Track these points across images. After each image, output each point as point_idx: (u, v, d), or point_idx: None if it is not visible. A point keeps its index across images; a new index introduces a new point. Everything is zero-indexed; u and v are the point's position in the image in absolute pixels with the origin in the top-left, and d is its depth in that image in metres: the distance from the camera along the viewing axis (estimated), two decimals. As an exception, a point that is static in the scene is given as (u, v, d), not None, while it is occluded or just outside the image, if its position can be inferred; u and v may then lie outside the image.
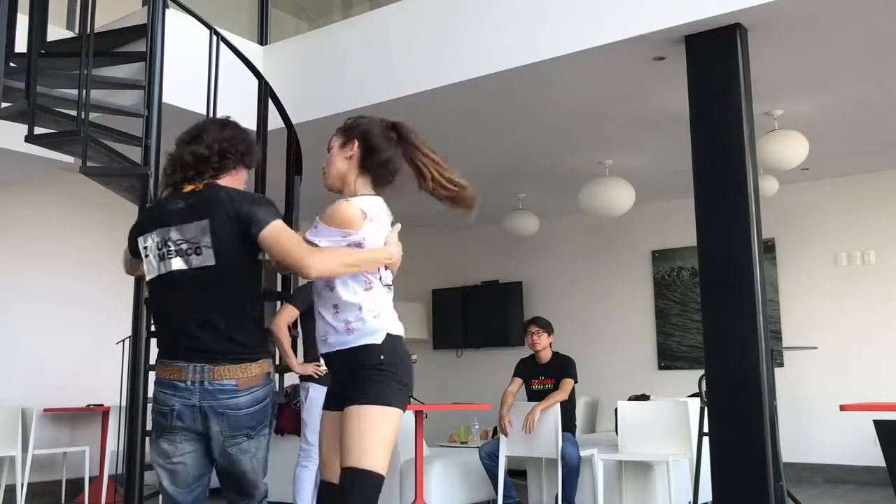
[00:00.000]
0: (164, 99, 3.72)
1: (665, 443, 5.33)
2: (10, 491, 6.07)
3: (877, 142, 6.46)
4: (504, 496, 5.52)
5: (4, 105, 3.68)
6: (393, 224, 2.61)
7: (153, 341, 2.79)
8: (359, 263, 2.47)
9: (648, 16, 4.23)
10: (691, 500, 5.04)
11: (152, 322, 3.03)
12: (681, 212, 6.66)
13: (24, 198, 6.84)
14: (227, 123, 2.67)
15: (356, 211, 2.47)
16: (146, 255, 2.55)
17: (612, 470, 5.47)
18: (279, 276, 3.73)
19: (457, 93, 5.01)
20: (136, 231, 2.63)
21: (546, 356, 5.81)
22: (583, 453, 5.42)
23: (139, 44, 3.95)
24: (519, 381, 5.84)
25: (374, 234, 2.50)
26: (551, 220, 8.56)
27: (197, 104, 4.21)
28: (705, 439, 4.54)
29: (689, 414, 5.27)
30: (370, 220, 2.50)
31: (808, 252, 7.57)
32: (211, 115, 3.97)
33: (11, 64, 3.73)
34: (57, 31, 4.75)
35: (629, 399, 5.92)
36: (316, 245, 2.46)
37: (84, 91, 3.51)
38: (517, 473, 6.13)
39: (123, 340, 5.63)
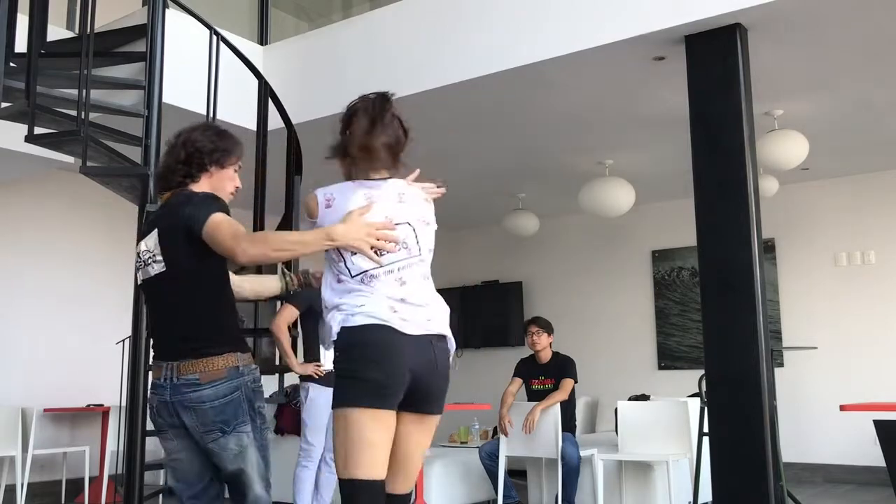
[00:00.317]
0: (164, 99, 3.73)
1: (665, 443, 5.33)
2: (10, 491, 6.06)
3: (877, 142, 6.46)
4: (504, 496, 5.52)
5: (4, 105, 3.69)
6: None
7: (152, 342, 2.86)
8: (293, 247, 2.41)
9: (648, 16, 4.23)
10: (691, 500, 5.03)
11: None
12: (681, 212, 6.66)
13: (24, 198, 6.83)
14: (197, 127, 2.68)
15: (311, 200, 2.49)
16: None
17: (612, 470, 5.47)
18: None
19: (457, 93, 5.01)
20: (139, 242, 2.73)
21: (546, 356, 5.81)
22: (583, 453, 5.41)
23: (139, 44, 3.96)
24: (519, 381, 5.83)
25: (330, 221, 2.42)
26: (551, 220, 8.55)
27: (197, 104, 4.22)
28: (705, 439, 4.53)
29: (689, 414, 5.27)
30: (328, 206, 2.45)
31: (808, 252, 7.57)
32: (211, 115, 3.98)
33: (11, 64, 3.74)
34: (57, 31, 4.74)
35: (629, 399, 5.91)
36: None
37: (84, 91, 3.52)
38: (517, 473, 6.12)
39: (123, 340, 5.62)
